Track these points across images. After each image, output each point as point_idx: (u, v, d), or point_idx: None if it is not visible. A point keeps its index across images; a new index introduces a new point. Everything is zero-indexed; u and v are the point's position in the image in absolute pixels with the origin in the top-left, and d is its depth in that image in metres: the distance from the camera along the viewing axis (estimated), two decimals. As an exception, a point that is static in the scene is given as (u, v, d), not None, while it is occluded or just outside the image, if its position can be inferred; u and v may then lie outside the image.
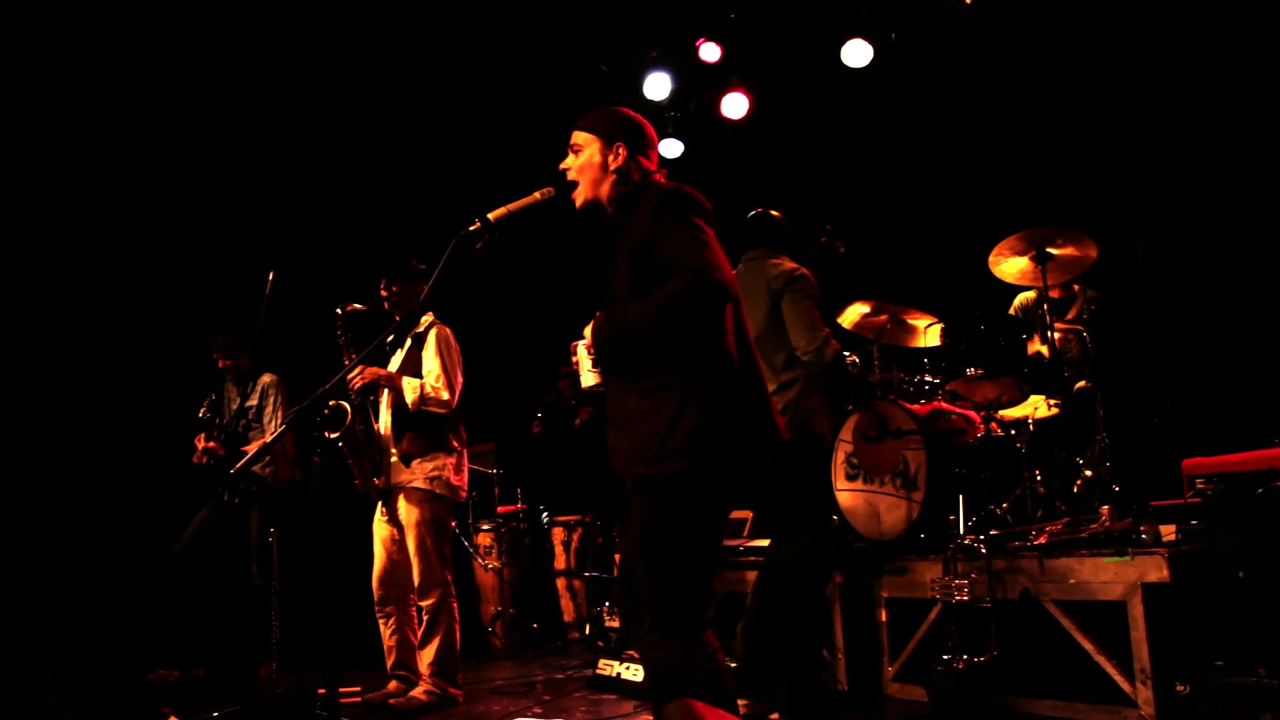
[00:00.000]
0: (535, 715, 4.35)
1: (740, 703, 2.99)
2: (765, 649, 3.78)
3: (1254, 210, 5.36)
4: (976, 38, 6.13)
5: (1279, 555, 3.61)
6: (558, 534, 6.53)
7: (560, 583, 6.48)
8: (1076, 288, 5.28)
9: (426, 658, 4.48)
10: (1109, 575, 3.49)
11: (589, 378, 2.69)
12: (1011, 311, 5.40)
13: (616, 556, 5.80)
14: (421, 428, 4.53)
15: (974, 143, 6.31)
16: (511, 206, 2.72)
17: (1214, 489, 4.09)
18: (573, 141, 2.74)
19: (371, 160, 6.96)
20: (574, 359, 2.76)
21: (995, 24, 6.06)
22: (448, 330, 4.69)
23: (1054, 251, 4.52)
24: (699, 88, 7.15)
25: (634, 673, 4.55)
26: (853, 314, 4.83)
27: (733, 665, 3.54)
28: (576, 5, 6.59)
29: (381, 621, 4.58)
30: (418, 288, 4.64)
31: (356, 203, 6.99)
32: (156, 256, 6.47)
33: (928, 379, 4.80)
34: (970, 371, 4.42)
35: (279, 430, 3.46)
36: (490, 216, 2.69)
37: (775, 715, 3.68)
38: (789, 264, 3.91)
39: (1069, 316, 5.18)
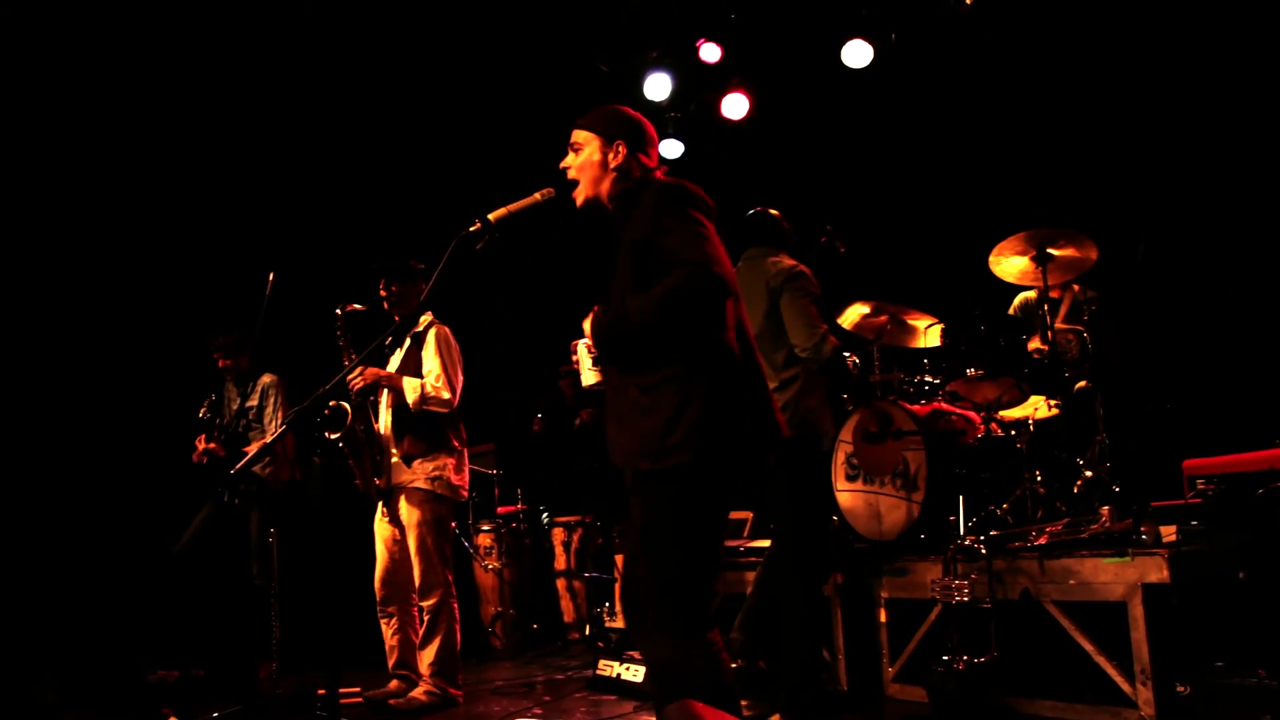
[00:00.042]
0: (535, 716, 4.35)
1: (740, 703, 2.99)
2: (765, 649, 3.78)
3: (1254, 210, 5.36)
4: (976, 38, 6.13)
5: (1279, 556, 3.61)
6: (558, 534, 6.53)
7: (560, 583, 6.48)
8: (1076, 288, 5.27)
9: (427, 658, 4.48)
10: (1109, 576, 3.49)
11: (589, 376, 2.69)
12: (1011, 311, 5.40)
13: (616, 557, 5.81)
14: (422, 428, 4.53)
15: (974, 143, 6.31)
16: (512, 207, 2.72)
17: (1214, 489, 4.09)
18: (573, 140, 2.74)
19: (371, 160, 6.96)
20: (574, 358, 2.76)
21: (995, 24, 6.06)
22: (447, 330, 4.68)
23: (1054, 252, 4.52)
24: (699, 88, 7.15)
25: (634, 673, 4.54)
26: (853, 314, 4.83)
27: (734, 665, 3.55)
28: (576, 5, 6.59)
29: (384, 621, 4.58)
30: (417, 287, 4.64)
31: (357, 203, 6.99)
32: (157, 257, 6.47)
33: (928, 379, 4.80)
34: (970, 372, 4.42)
35: (279, 431, 3.46)
36: (490, 217, 2.69)
37: (776, 716, 3.68)
38: (788, 261, 3.91)
39: (1060, 316, 5.18)
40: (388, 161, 7.04)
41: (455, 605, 4.54)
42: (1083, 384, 4.84)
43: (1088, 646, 3.54)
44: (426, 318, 4.67)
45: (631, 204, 2.63)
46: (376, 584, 4.56)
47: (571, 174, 2.73)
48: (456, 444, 4.64)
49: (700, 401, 2.43)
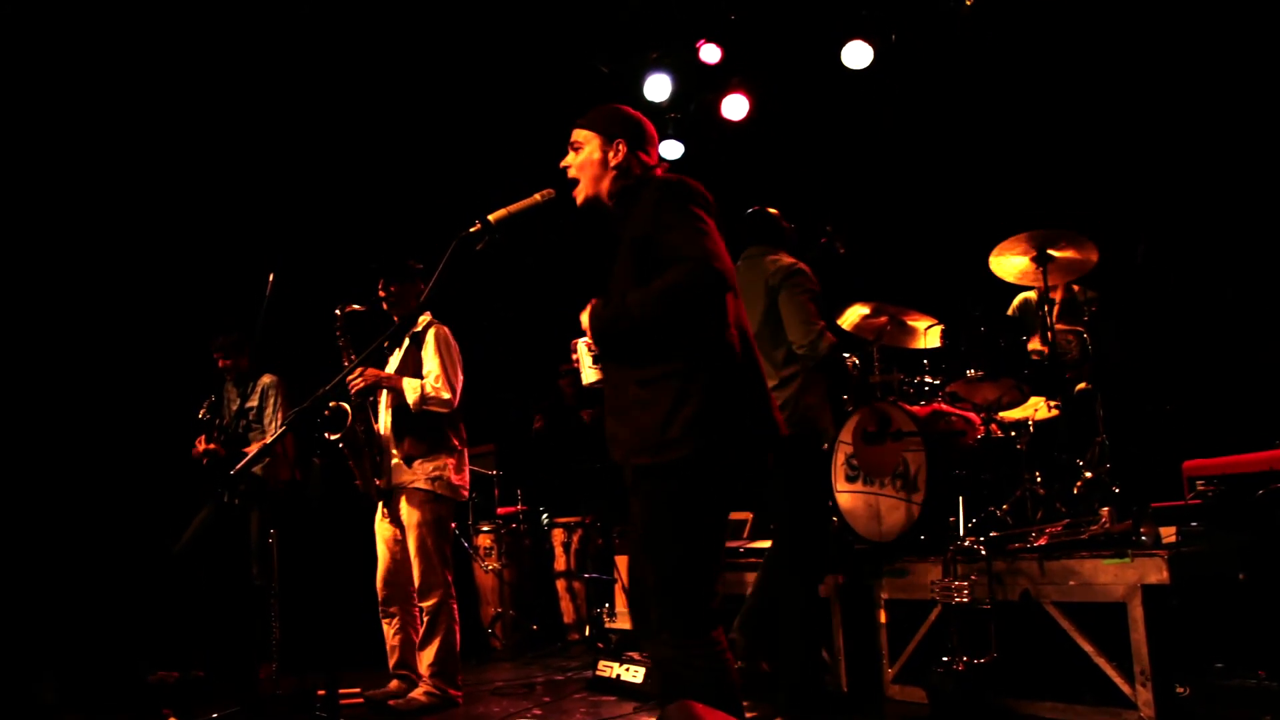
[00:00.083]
0: (535, 717, 4.35)
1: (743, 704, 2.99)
2: (766, 650, 3.78)
3: (1254, 211, 5.36)
4: (977, 39, 6.13)
5: (1279, 557, 3.61)
6: (557, 535, 6.53)
7: (560, 584, 6.48)
8: (1076, 288, 5.27)
9: (426, 659, 4.48)
10: (1109, 577, 3.49)
11: (589, 374, 2.69)
12: (1009, 312, 5.40)
13: (617, 558, 5.80)
14: (422, 429, 4.53)
15: (974, 144, 6.31)
16: (512, 208, 2.72)
17: (1214, 491, 4.09)
18: (573, 139, 2.75)
19: (372, 161, 6.96)
20: (574, 356, 2.76)
21: (995, 25, 6.06)
22: (446, 330, 4.68)
23: (1055, 253, 4.52)
24: (699, 89, 7.15)
25: (634, 674, 4.54)
26: (853, 315, 4.83)
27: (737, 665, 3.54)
28: (576, 6, 6.59)
29: (385, 621, 4.58)
30: (415, 287, 4.64)
31: (357, 204, 6.99)
32: (157, 258, 6.47)
33: (928, 380, 4.80)
34: (970, 373, 4.42)
35: (279, 431, 3.47)
36: (490, 218, 2.69)
37: (776, 717, 3.68)
38: (787, 259, 3.92)
39: (1054, 315, 5.17)
40: (388, 162, 7.05)
41: (455, 606, 4.54)
42: (1083, 385, 4.83)
43: (1087, 648, 3.53)
44: (425, 318, 4.67)
45: (632, 201, 2.63)
46: (378, 584, 4.57)
47: (572, 173, 2.74)
48: (457, 444, 4.64)
49: (699, 397, 2.43)
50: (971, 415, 4.67)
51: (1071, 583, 3.61)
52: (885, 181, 6.76)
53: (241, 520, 5.58)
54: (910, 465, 4.38)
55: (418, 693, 4.44)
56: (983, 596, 3.75)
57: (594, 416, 6.82)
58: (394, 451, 4.56)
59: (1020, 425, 4.55)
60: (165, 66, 6.07)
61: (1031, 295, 5.27)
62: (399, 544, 4.54)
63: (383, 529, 4.58)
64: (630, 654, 4.71)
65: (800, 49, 6.73)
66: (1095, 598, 3.54)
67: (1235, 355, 5.37)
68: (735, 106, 7.00)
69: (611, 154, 2.69)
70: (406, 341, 4.69)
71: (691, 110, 7.30)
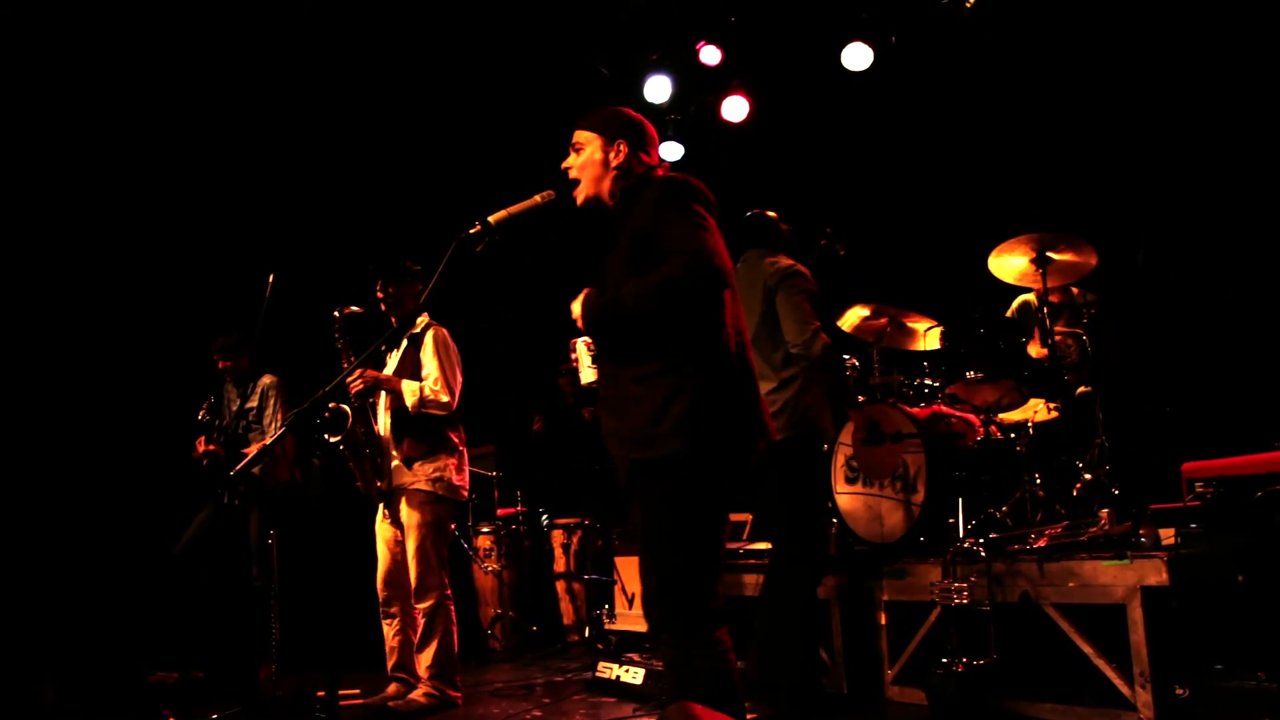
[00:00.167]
0: (534, 718, 4.35)
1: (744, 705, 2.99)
2: (766, 651, 3.78)
3: (1253, 213, 5.36)
4: (977, 41, 6.13)
5: (1278, 559, 3.61)
6: (557, 537, 6.53)
7: (560, 585, 6.48)
8: (1075, 290, 5.27)
9: (425, 660, 4.48)
10: (1108, 578, 3.49)
11: (588, 374, 2.70)
12: (1009, 314, 5.40)
13: (616, 560, 5.81)
14: (421, 430, 4.53)
15: (974, 146, 6.31)
16: (512, 209, 2.72)
17: (1213, 492, 4.09)
18: (574, 140, 2.76)
19: (372, 162, 6.96)
20: (573, 355, 2.77)
21: (995, 27, 6.06)
22: (445, 331, 4.68)
23: (1054, 256, 4.53)
24: (699, 91, 7.15)
25: (633, 675, 4.54)
26: (853, 317, 4.84)
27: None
28: (577, 7, 6.60)
29: (386, 623, 4.58)
30: (414, 289, 4.64)
31: (357, 205, 6.99)
32: (157, 259, 6.47)
33: (927, 382, 4.81)
34: (970, 375, 4.42)
35: (279, 432, 3.47)
36: (490, 219, 2.69)
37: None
38: (785, 261, 3.92)
39: (1060, 320, 5.18)
40: (388, 163, 7.05)
41: (452, 607, 4.53)
42: (1083, 388, 4.84)
43: (1087, 649, 3.53)
44: (423, 319, 4.67)
45: (633, 201, 2.64)
46: (379, 585, 4.56)
47: (573, 174, 2.75)
48: (457, 443, 4.64)
49: (690, 394, 2.44)
50: (971, 417, 4.68)
51: (1071, 584, 3.61)
52: (885, 183, 6.76)
53: (241, 521, 5.58)
54: (910, 467, 4.39)
55: (417, 694, 4.44)
56: (982, 598, 3.75)
57: (594, 414, 6.81)
58: (394, 453, 4.56)
59: (1020, 427, 4.56)
60: (165, 67, 6.07)
61: (1031, 298, 5.27)
62: (399, 545, 4.54)
63: (383, 530, 4.58)
64: (630, 655, 4.71)
65: (800, 51, 6.74)
66: (1095, 599, 3.54)
67: (1235, 357, 5.37)
68: (735, 108, 7.01)
69: (613, 155, 2.70)
70: (405, 343, 4.69)
71: (691, 112, 7.31)
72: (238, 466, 5.31)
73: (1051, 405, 4.63)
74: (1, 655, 5.30)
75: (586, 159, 2.72)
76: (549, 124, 4.64)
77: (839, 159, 6.95)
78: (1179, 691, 3.46)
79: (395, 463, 4.55)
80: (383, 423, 4.64)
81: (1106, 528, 3.78)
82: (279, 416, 5.67)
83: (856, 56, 6.41)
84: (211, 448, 5.55)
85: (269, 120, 6.54)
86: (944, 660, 3.74)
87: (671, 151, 7.29)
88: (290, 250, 5.60)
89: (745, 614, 3.94)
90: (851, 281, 5.04)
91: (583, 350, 2.70)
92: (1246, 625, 3.65)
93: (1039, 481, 4.47)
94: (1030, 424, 4.59)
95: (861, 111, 6.77)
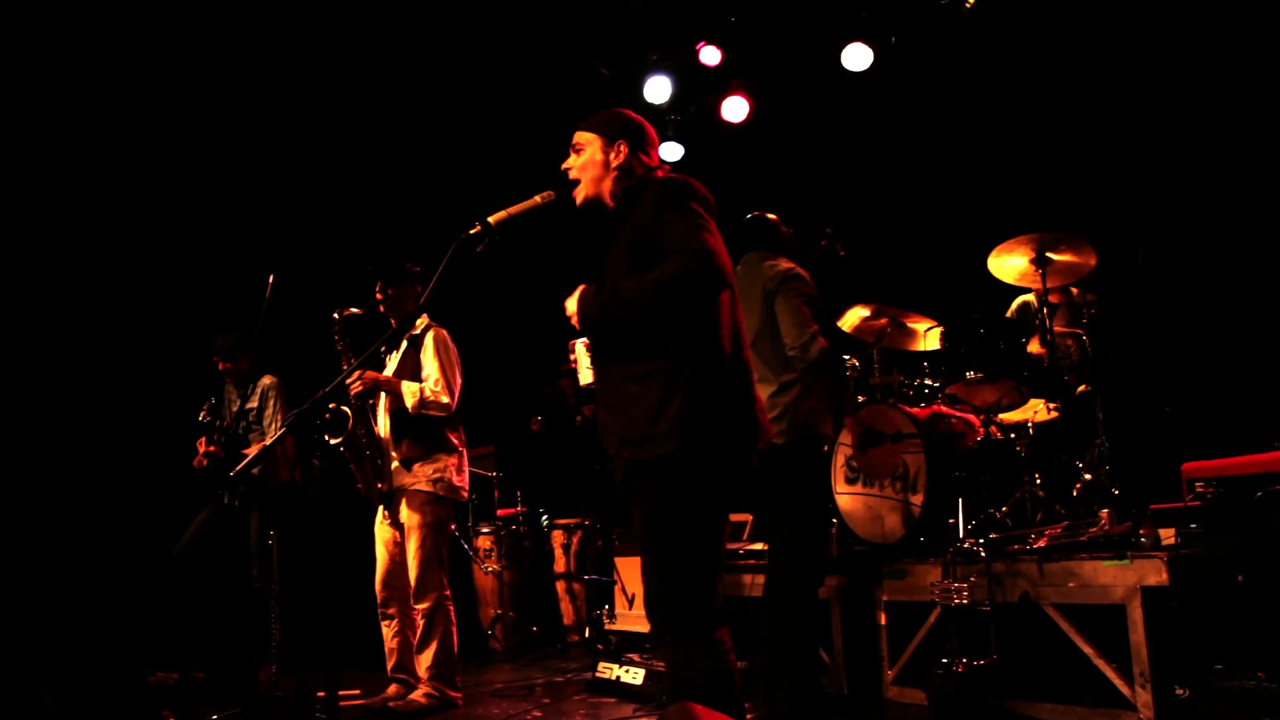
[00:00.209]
0: (535, 718, 4.35)
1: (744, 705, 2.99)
2: (766, 652, 3.78)
3: (1253, 213, 5.36)
4: (977, 41, 6.13)
5: (1278, 559, 3.61)
6: (557, 537, 6.53)
7: (560, 586, 6.48)
8: (1074, 291, 5.28)
9: (425, 661, 4.48)
10: (1108, 579, 3.49)
11: (587, 375, 2.71)
12: (1008, 314, 5.41)
13: (616, 560, 5.81)
14: (420, 431, 4.53)
15: (974, 146, 6.31)
16: (512, 210, 2.72)
17: (1213, 492, 4.09)
18: (575, 142, 2.77)
19: (371, 163, 6.96)
20: (571, 356, 2.77)
21: (995, 27, 6.06)
22: (445, 332, 4.69)
23: (1053, 256, 4.53)
24: (699, 91, 7.15)
25: (633, 676, 4.55)
26: (853, 317, 4.84)
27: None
28: (577, 8, 6.60)
29: (384, 624, 4.58)
30: (413, 290, 4.64)
31: (357, 206, 6.99)
32: (157, 260, 6.47)
33: (927, 382, 4.81)
34: (970, 375, 4.42)
35: (279, 433, 3.47)
36: (490, 220, 2.69)
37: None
38: (785, 264, 3.92)
39: (1058, 320, 5.18)
40: (388, 164, 7.05)
41: (451, 607, 4.53)
42: (1083, 388, 4.84)
43: (1087, 649, 3.54)
44: (423, 320, 4.67)
45: (633, 202, 2.64)
46: (377, 586, 4.56)
47: (573, 174, 2.75)
48: (456, 444, 4.64)
49: (685, 394, 2.45)
50: (971, 417, 4.68)
51: (1071, 584, 3.61)
52: (885, 183, 6.76)
53: (241, 522, 5.58)
54: (910, 467, 4.39)
55: (417, 694, 4.44)
56: (982, 598, 3.75)
57: (593, 414, 6.80)
58: (393, 454, 4.56)
59: (1020, 427, 4.56)
60: (166, 68, 6.07)
61: (1031, 298, 5.27)
62: (398, 546, 4.54)
63: (382, 531, 4.58)
64: (630, 656, 4.72)
65: (800, 51, 6.74)
66: (1095, 599, 3.54)
67: (1235, 357, 5.37)
68: (735, 108, 7.01)
69: (613, 155, 2.71)
70: (405, 344, 4.69)
71: (691, 112, 7.30)
72: (238, 467, 5.30)
73: (1051, 405, 4.63)
74: (1, 655, 5.30)
75: (587, 160, 2.73)
76: (549, 124, 4.65)
77: (839, 159, 6.95)
78: (1179, 691, 3.46)
79: (395, 464, 4.55)
80: (382, 424, 4.64)
81: (1106, 528, 3.78)
82: (279, 417, 5.67)
83: (856, 57, 6.41)
84: (212, 449, 5.55)
85: (269, 121, 6.54)
86: (944, 660, 3.74)
87: (671, 152, 7.29)
88: (290, 251, 5.60)
89: (745, 614, 3.95)
90: (851, 281, 5.04)
91: (581, 352, 2.70)
92: (1246, 625, 3.65)
93: (1039, 482, 4.47)
94: (1030, 424, 4.59)
95: (861, 112, 6.77)
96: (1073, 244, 4.47)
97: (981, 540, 3.87)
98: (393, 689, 4.53)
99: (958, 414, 4.68)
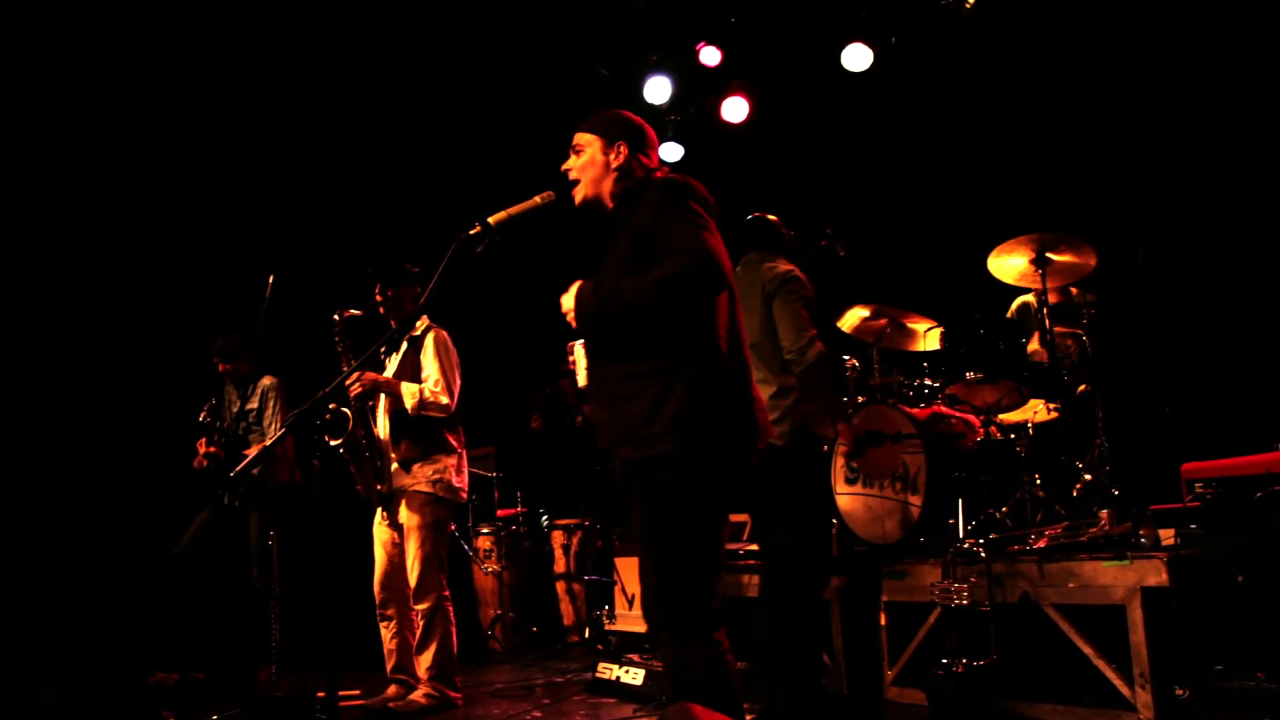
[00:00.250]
0: (535, 719, 4.35)
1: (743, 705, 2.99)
2: (766, 652, 3.78)
3: (1253, 213, 5.37)
4: (977, 41, 6.13)
5: (1277, 559, 3.61)
6: (557, 537, 6.53)
7: (560, 586, 6.48)
8: (1074, 291, 5.28)
9: (424, 662, 4.48)
10: (1108, 579, 3.49)
11: (584, 376, 2.70)
12: (1009, 315, 5.41)
13: (616, 560, 5.81)
14: (420, 432, 4.53)
15: (974, 146, 6.31)
16: (512, 210, 2.73)
17: (1213, 493, 4.09)
18: (575, 142, 2.77)
19: (371, 164, 6.96)
20: (570, 358, 2.77)
21: (995, 28, 6.06)
22: (444, 333, 4.69)
23: (1053, 257, 4.53)
24: (699, 91, 7.14)
25: (633, 676, 4.55)
26: (852, 318, 4.84)
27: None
28: (577, 8, 6.60)
29: (383, 625, 4.58)
30: (412, 291, 4.64)
31: (357, 207, 6.99)
32: (157, 260, 6.47)
33: (927, 383, 4.81)
34: (970, 375, 4.42)
35: (279, 434, 3.47)
36: (490, 220, 2.69)
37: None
38: (784, 266, 3.92)
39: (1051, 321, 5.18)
40: (388, 164, 7.05)
41: (450, 608, 4.53)
42: (1083, 388, 4.84)
43: (1087, 650, 3.54)
44: (423, 321, 4.67)
45: (633, 203, 2.64)
46: (376, 587, 4.56)
47: (573, 175, 2.75)
48: (456, 444, 4.64)
49: (682, 394, 2.45)
50: (971, 417, 4.68)
51: (1071, 585, 3.61)
52: (885, 184, 6.76)
53: (241, 522, 5.58)
54: (910, 467, 4.39)
55: (417, 694, 4.44)
56: (982, 599, 3.75)
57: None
58: (392, 455, 4.56)
59: (1020, 427, 4.56)
60: (166, 69, 6.07)
61: (1030, 299, 5.28)
62: (397, 547, 4.54)
63: (381, 532, 4.58)
64: (630, 656, 4.72)
65: (800, 51, 6.73)
66: (1094, 600, 3.54)
67: (1235, 357, 5.37)
68: (735, 109, 7.00)
69: (613, 156, 2.71)
70: (405, 345, 4.69)
71: (691, 113, 7.30)
72: (238, 468, 5.30)
73: (1051, 406, 4.62)
74: (1, 655, 5.30)
75: (587, 160, 2.73)
76: (549, 124, 4.65)
77: (839, 159, 6.95)
78: (1179, 692, 3.47)
79: (394, 465, 4.55)
80: (381, 425, 4.64)
81: (1106, 528, 3.78)
82: (279, 418, 5.67)
83: (856, 57, 6.41)
84: (212, 449, 5.55)
85: (269, 122, 6.54)
86: (944, 661, 3.74)
87: (671, 152, 7.29)
88: (290, 252, 5.60)
89: (745, 614, 3.95)
90: (851, 282, 5.04)
91: (580, 353, 2.70)
92: (1246, 625, 3.65)
93: (1039, 482, 4.47)
94: (1030, 424, 4.59)
95: (861, 112, 6.77)
96: (1072, 244, 4.47)
97: (981, 541, 3.87)
98: (392, 689, 4.53)
99: (958, 414, 4.68)
